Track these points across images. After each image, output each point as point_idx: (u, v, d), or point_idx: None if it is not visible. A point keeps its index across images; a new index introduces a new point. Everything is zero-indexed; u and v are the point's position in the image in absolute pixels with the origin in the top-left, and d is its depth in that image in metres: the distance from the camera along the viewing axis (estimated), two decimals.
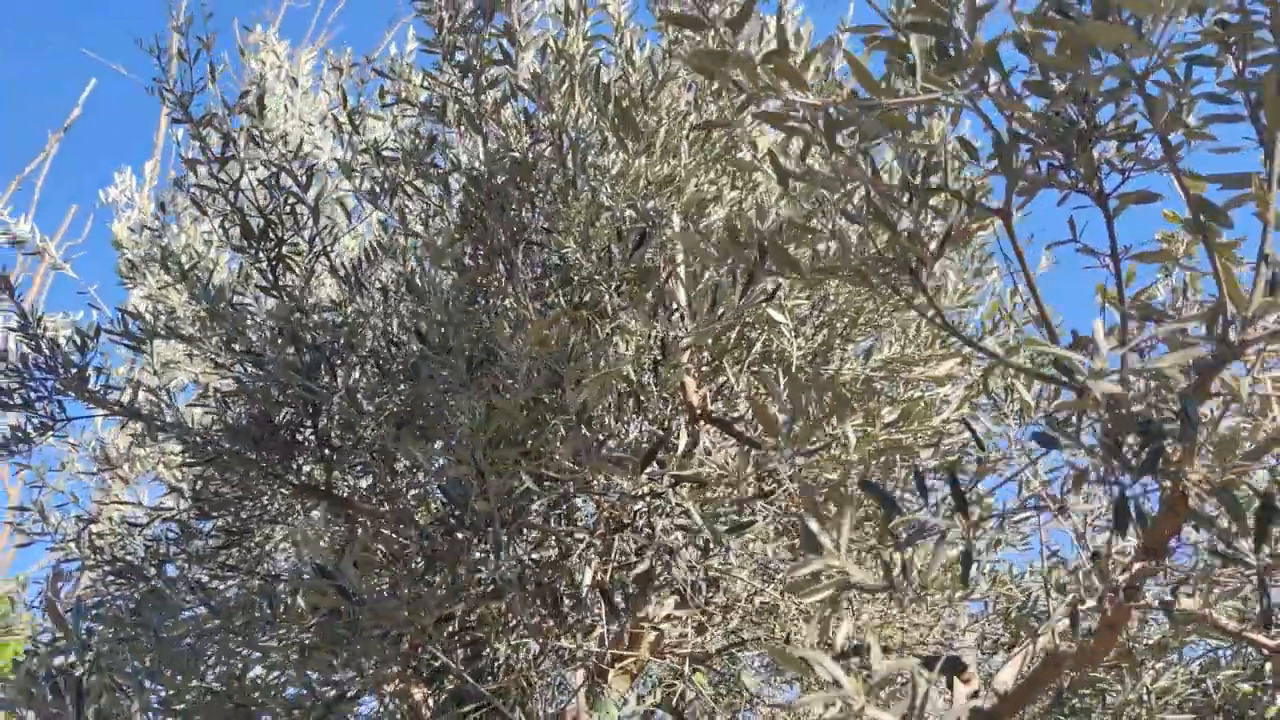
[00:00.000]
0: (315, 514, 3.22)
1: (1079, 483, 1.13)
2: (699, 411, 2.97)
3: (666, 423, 2.98)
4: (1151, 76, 1.50)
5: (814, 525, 1.11)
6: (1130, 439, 1.06)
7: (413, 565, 2.59)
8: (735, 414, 3.28)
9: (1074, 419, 1.08)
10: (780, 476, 2.09)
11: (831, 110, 1.24)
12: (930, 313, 1.58)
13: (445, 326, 2.27)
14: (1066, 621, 1.94)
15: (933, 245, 1.64)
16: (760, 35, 2.20)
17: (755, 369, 3.20)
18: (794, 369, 2.89)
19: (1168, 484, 1.25)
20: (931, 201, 1.64)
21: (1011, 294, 3.41)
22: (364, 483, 3.13)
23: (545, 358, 1.97)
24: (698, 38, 2.78)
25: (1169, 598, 1.54)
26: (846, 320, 3.23)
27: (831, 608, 1.17)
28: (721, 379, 3.25)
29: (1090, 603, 1.39)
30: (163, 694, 2.51)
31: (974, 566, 3.27)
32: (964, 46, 1.27)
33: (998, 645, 3.08)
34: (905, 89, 1.25)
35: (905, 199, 1.62)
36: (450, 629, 2.51)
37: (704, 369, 3.21)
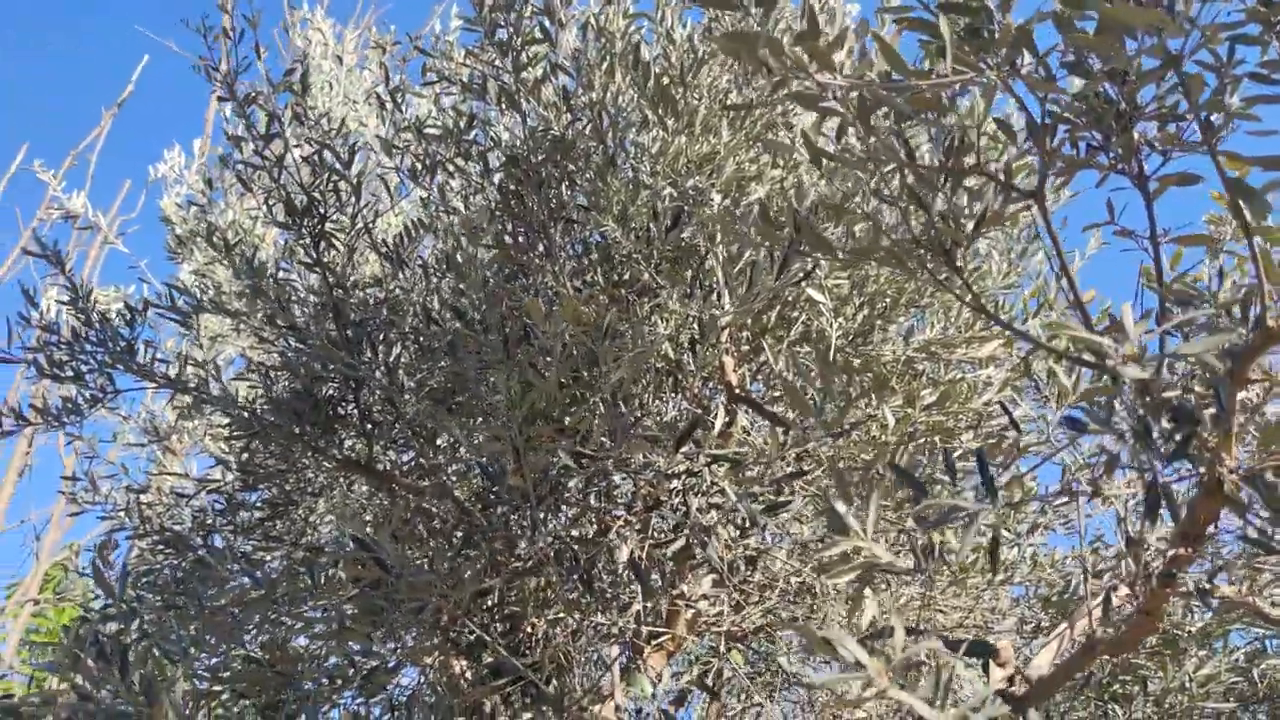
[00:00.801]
0: (357, 488, 3.27)
1: (1111, 468, 1.12)
2: (736, 391, 2.98)
3: (704, 402, 2.99)
4: (1193, 56, 1.48)
5: (841, 506, 1.12)
6: (1162, 424, 1.05)
7: (451, 540, 2.62)
8: (775, 394, 3.28)
9: (1106, 404, 1.07)
10: (817, 456, 2.09)
11: (863, 92, 1.24)
12: (966, 296, 1.57)
13: (483, 303, 2.29)
14: (1099, 608, 1.93)
15: (968, 227, 1.63)
16: (803, 13, 2.19)
17: (795, 349, 3.20)
18: (833, 349, 2.88)
19: (1204, 470, 1.24)
20: (968, 183, 1.62)
21: (1057, 277, 3.37)
22: (405, 457, 3.17)
23: (581, 335, 1.98)
24: (735, 18, 2.76)
25: (1207, 585, 1.52)
26: (887, 300, 3.20)
27: (861, 589, 1.18)
28: (761, 358, 3.25)
29: (1124, 589, 1.38)
30: (207, 662, 2.57)
31: (1014, 550, 3.26)
32: (995, 28, 1.25)
33: (1038, 630, 3.06)
34: (938, 71, 1.24)
35: (941, 180, 1.61)
36: (487, 603, 2.54)
37: (743, 349, 3.20)
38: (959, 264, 1.58)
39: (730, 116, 3.01)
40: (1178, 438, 1.04)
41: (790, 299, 3.11)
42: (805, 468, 2.01)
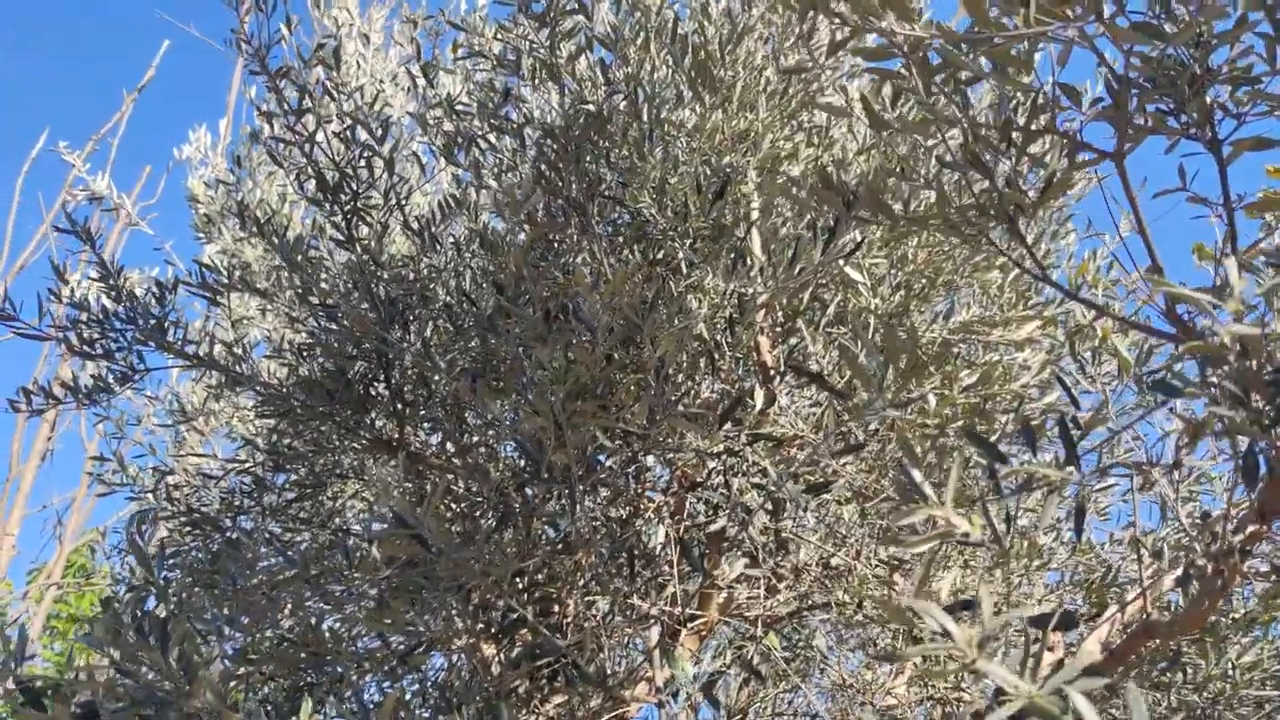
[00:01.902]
0: (389, 468, 3.24)
1: (1196, 436, 1.08)
2: (773, 370, 2.93)
3: (740, 382, 2.94)
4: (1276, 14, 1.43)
5: (916, 474, 1.07)
6: (1257, 391, 1.01)
7: (485, 520, 2.58)
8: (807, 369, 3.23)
9: (1201, 369, 1.02)
10: (871, 428, 2.04)
11: (937, 44, 1.19)
12: (1028, 263, 1.52)
13: (521, 280, 2.25)
14: (1165, 586, 1.88)
15: (1031, 194, 1.58)
16: None
17: (830, 330, 3.15)
18: (872, 329, 2.83)
19: None
20: (1033, 149, 1.57)
21: (1089, 257, 3.29)
22: (435, 438, 3.14)
23: (624, 311, 1.94)
24: None
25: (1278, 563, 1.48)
26: (924, 281, 3.15)
27: (932, 560, 1.13)
28: (794, 339, 3.20)
29: (1199, 565, 1.33)
30: (240, 641, 2.54)
31: (1051, 535, 3.21)
32: None
33: (1086, 612, 3.00)
34: (1016, 24, 1.19)
35: (1004, 145, 1.56)
36: (521, 584, 2.51)
37: (777, 329, 3.16)
38: (1022, 232, 1.53)
39: (768, 92, 2.95)
40: (1276, 406, 0.99)
41: (825, 280, 3.06)
42: (862, 440, 1.96)
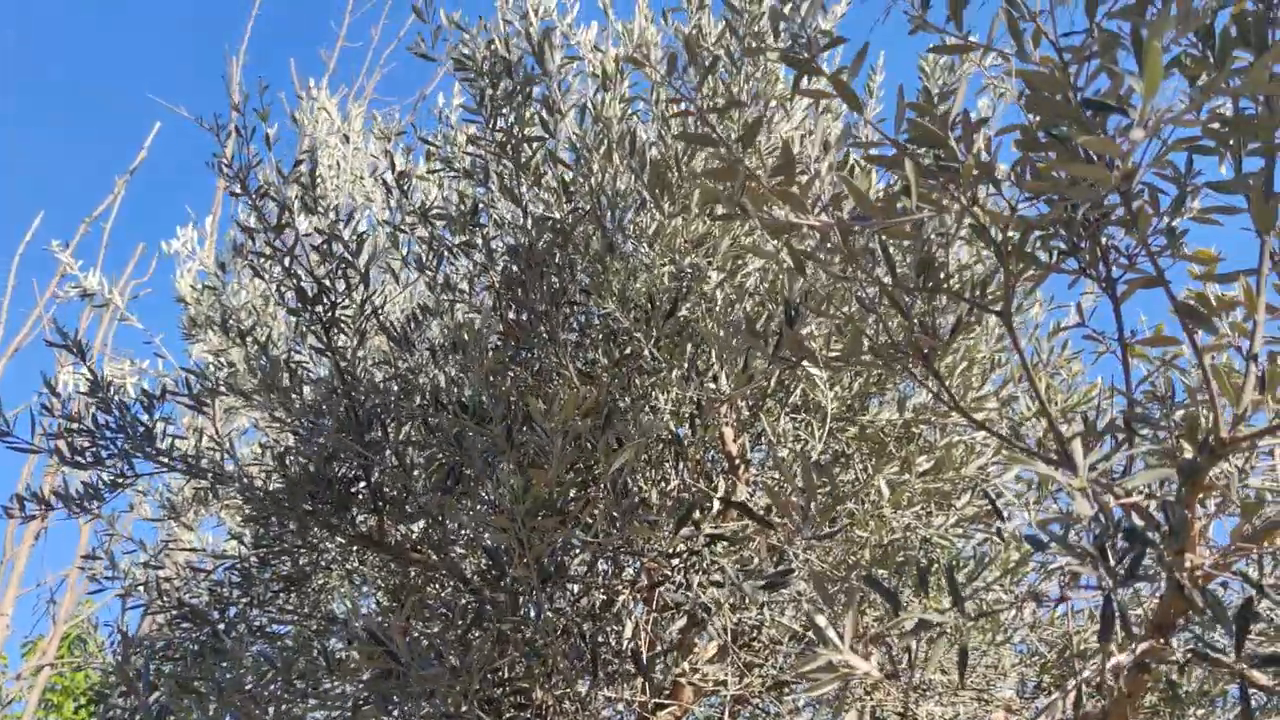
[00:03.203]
0: (369, 561, 3.35)
1: (1073, 581, 1.21)
2: (738, 459, 3.06)
3: (705, 470, 3.07)
4: (1152, 169, 1.57)
5: (821, 620, 1.20)
6: (1117, 544, 1.13)
7: (463, 616, 2.69)
8: (771, 462, 3.36)
9: (1064, 525, 1.15)
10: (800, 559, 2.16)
11: (833, 226, 1.33)
12: (944, 396, 1.65)
13: (485, 395, 2.38)
14: (1087, 679, 1.99)
15: (943, 334, 1.72)
16: (781, 150, 2.30)
17: (794, 416, 3.28)
18: (828, 419, 2.96)
19: (1167, 574, 1.31)
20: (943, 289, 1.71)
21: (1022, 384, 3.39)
22: (415, 533, 3.26)
23: (582, 425, 2.07)
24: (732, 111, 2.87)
25: (1190, 654, 1.59)
26: (880, 372, 3.29)
27: (840, 697, 1.25)
28: (759, 426, 3.33)
29: (1101, 689, 1.45)
30: None
31: (1011, 612, 3.32)
32: (958, 162, 1.35)
33: (1039, 689, 3.11)
34: (905, 205, 1.33)
35: (916, 289, 1.70)
36: (494, 679, 2.61)
37: (743, 416, 3.29)
38: (935, 368, 1.67)
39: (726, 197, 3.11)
40: (1129, 560, 1.12)
41: (786, 370, 3.19)
42: (792, 568, 2.08)
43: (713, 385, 2.61)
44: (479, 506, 2.42)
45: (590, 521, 2.23)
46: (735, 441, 3.13)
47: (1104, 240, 1.74)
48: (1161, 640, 1.51)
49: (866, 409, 3.42)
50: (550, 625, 2.26)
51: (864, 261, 1.60)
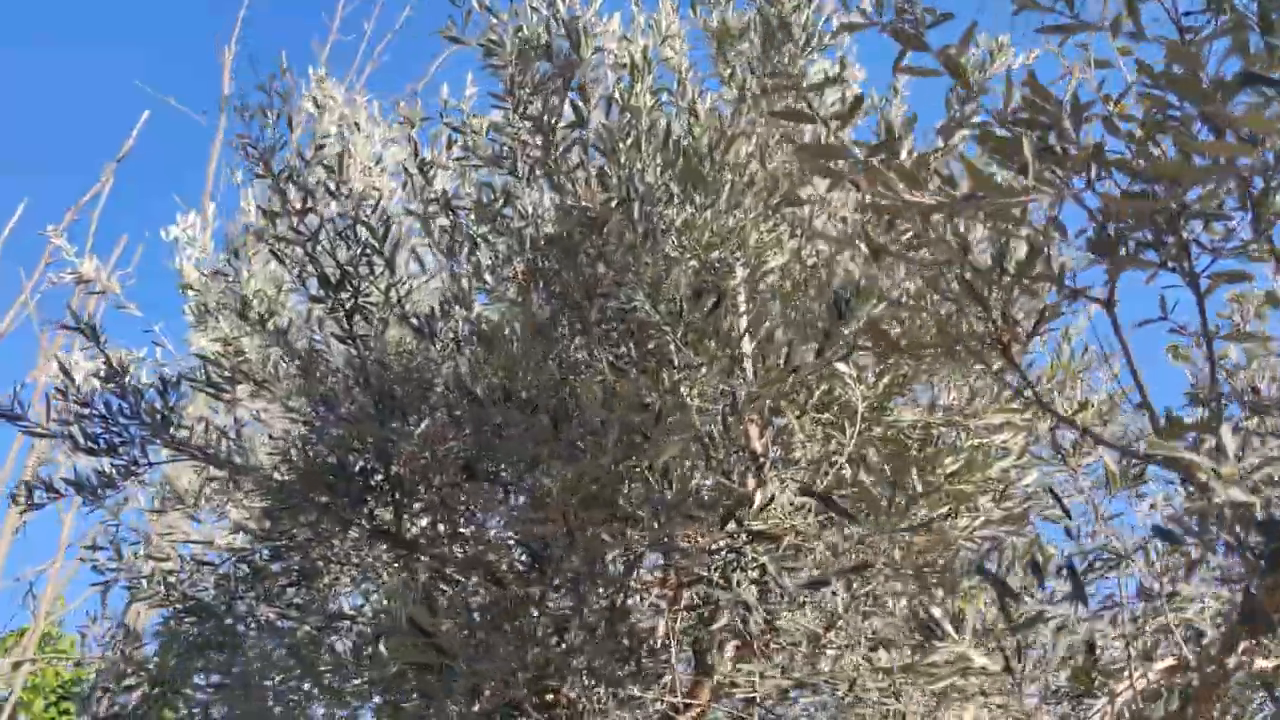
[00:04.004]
0: (382, 556, 3.28)
1: (1191, 570, 1.17)
2: (762, 457, 3.02)
3: (731, 471, 3.03)
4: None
5: (937, 611, 1.15)
6: (1253, 537, 1.10)
7: (487, 614, 2.64)
8: (793, 456, 3.33)
9: (1200, 517, 1.12)
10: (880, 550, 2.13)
11: (939, 209, 1.29)
12: (1026, 391, 1.62)
13: (527, 385, 2.33)
14: (1152, 677, 1.96)
15: (1025, 324, 1.68)
16: (882, 128, 2.26)
17: (816, 414, 3.25)
18: (859, 417, 2.92)
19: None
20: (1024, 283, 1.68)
21: (1062, 343, 3.38)
22: (432, 526, 3.19)
23: (632, 421, 2.02)
24: (780, 95, 2.83)
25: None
26: (906, 371, 3.26)
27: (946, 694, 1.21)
28: (780, 421, 3.29)
29: (1193, 680, 1.42)
30: None
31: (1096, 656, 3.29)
32: (1069, 147, 1.31)
33: (1061, 695, 3.08)
34: (1013, 184, 1.30)
35: (998, 277, 1.66)
36: (523, 677, 2.56)
37: (763, 415, 3.25)
38: (1017, 360, 1.63)
39: (755, 190, 3.07)
40: (1269, 552, 1.08)
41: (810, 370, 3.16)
42: (869, 560, 2.04)
43: (752, 379, 2.56)
44: (520, 499, 2.36)
45: (640, 516, 2.18)
46: (759, 439, 3.09)
47: (1186, 234, 1.71)
48: (1258, 641, 1.48)
49: (889, 409, 3.39)
50: (590, 622, 2.21)
51: (951, 248, 1.57)
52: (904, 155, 1.38)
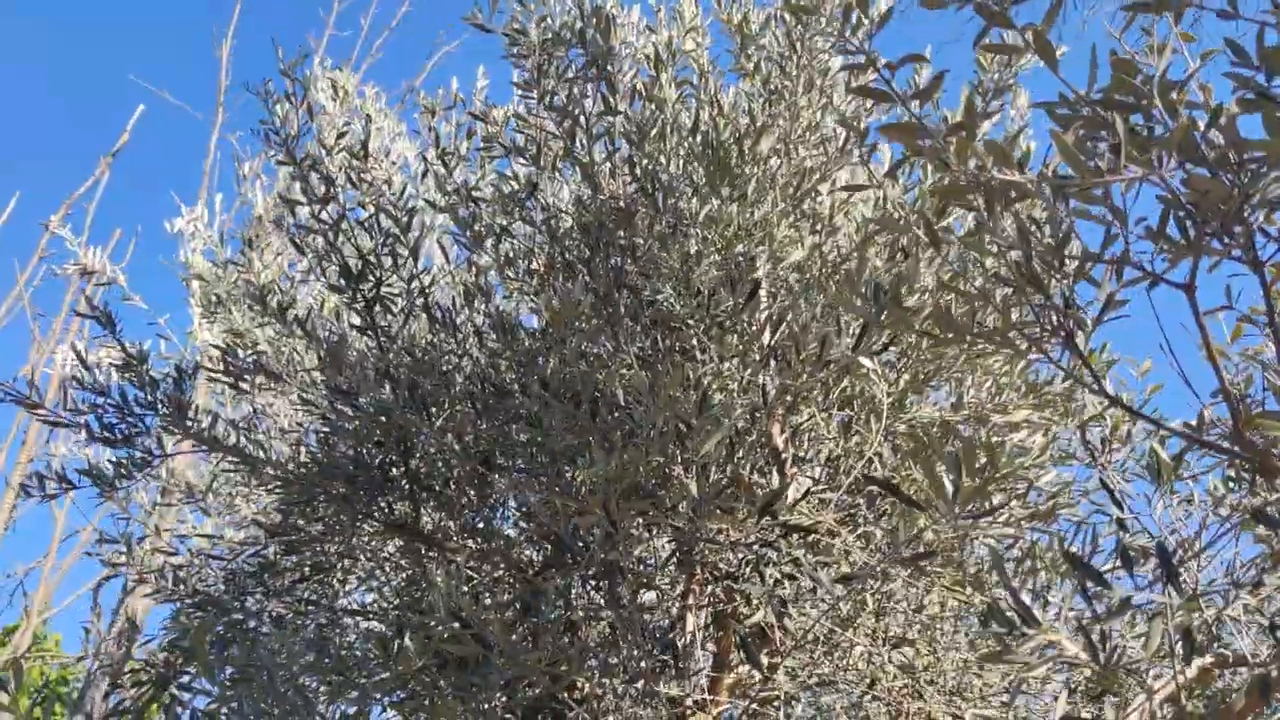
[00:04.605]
0: (391, 554, 3.24)
1: (1278, 562, 1.15)
2: (783, 455, 2.99)
3: (758, 468, 3.00)
4: None
5: (1027, 598, 1.13)
6: None
7: (509, 609, 2.60)
8: (813, 454, 3.30)
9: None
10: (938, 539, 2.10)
11: (1028, 190, 1.27)
12: (1089, 380, 1.60)
13: (557, 377, 2.29)
14: (1190, 674, 1.94)
15: (1088, 312, 1.66)
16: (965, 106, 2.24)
17: (837, 412, 3.22)
18: (884, 414, 2.90)
19: None
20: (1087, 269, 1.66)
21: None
22: (449, 521, 3.15)
23: (678, 414, 1.99)
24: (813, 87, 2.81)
25: None
26: (929, 368, 3.24)
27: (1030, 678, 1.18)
28: (800, 420, 3.26)
29: (1265, 673, 1.40)
30: None
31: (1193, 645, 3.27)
32: (1159, 128, 1.29)
33: (1087, 691, 3.07)
34: (1107, 167, 1.27)
35: (1059, 265, 1.64)
36: (552, 671, 2.52)
37: (783, 412, 3.22)
38: (1081, 349, 1.61)
39: (780, 185, 3.05)
40: None
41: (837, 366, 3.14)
42: (931, 549, 2.02)
43: (784, 377, 2.54)
44: (549, 485, 2.33)
45: (679, 508, 2.15)
46: (780, 436, 3.06)
47: (1252, 221, 1.69)
48: None
49: (909, 406, 3.37)
50: (623, 616, 2.18)
51: (1019, 232, 1.54)
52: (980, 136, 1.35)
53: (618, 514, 1.94)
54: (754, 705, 3.12)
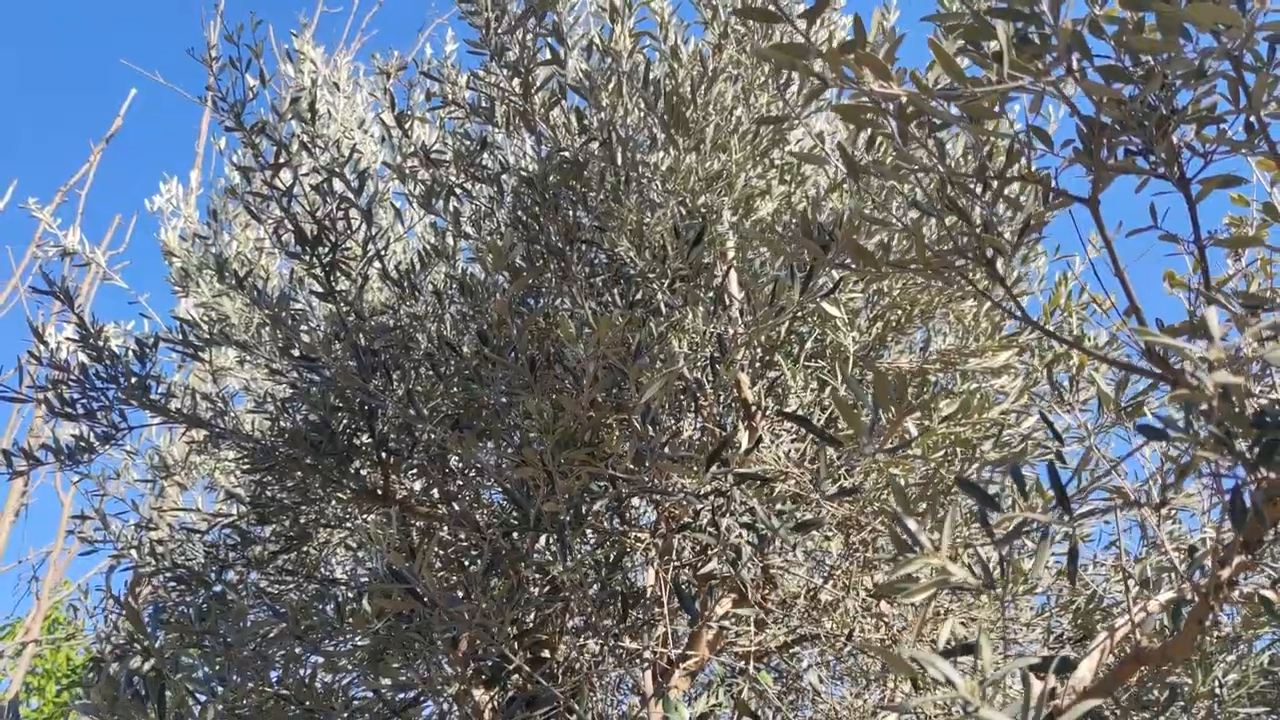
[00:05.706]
0: (372, 518, 3.23)
1: (1182, 475, 1.11)
2: (754, 406, 2.96)
3: (721, 419, 2.97)
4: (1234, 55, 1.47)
5: (912, 524, 1.09)
6: (1241, 431, 1.04)
7: (472, 567, 2.58)
8: (789, 408, 3.27)
9: (1185, 412, 1.05)
10: (857, 474, 2.07)
11: (908, 102, 1.22)
12: (1009, 304, 1.55)
13: (504, 326, 2.26)
14: (1146, 615, 1.90)
15: (1007, 235, 1.62)
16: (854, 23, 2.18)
17: (809, 364, 3.18)
18: (850, 363, 2.86)
19: (1270, 476, 1.22)
20: (1008, 191, 1.61)
21: (1061, 281, 3.33)
22: (419, 485, 3.14)
23: (610, 357, 1.96)
24: (761, 31, 2.76)
25: (1266, 591, 1.51)
26: (901, 313, 3.20)
27: (927, 608, 1.15)
28: (773, 374, 3.23)
29: (1163, 597, 1.36)
30: (231, 700, 2.52)
31: (1034, 561, 3.23)
32: (1048, 32, 1.24)
33: (1063, 640, 3.03)
34: (988, 77, 1.23)
35: (979, 189, 1.59)
36: (511, 631, 2.51)
37: (755, 365, 3.19)
38: (1001, 274, 1.56)
39: (740, 133, 3.00)
40: (1261, 445, 1.02)
41: (802, 314, 3.09)
42: (855, 484, 1.98)
43: (736, 325, 2.50)
44: (501, 444, 2.30)
45: (620, 456, 2.12)
46: (751, 388, 3.02)
47: (1176, 139, 1.64)
48: (1252, 556, 1.42)
49: (881, 355, 3.33)
50: (577, 570, 2.15)
51: (926, 154, 1.50)
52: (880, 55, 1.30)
53: (552, 465, 1.92)
54: (740, 661, 3.11)
